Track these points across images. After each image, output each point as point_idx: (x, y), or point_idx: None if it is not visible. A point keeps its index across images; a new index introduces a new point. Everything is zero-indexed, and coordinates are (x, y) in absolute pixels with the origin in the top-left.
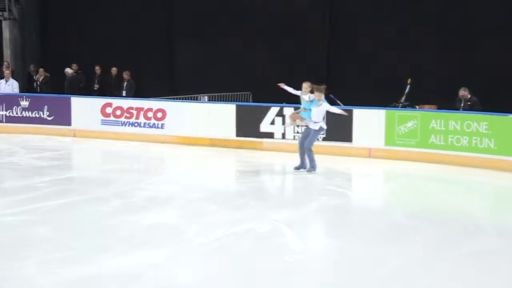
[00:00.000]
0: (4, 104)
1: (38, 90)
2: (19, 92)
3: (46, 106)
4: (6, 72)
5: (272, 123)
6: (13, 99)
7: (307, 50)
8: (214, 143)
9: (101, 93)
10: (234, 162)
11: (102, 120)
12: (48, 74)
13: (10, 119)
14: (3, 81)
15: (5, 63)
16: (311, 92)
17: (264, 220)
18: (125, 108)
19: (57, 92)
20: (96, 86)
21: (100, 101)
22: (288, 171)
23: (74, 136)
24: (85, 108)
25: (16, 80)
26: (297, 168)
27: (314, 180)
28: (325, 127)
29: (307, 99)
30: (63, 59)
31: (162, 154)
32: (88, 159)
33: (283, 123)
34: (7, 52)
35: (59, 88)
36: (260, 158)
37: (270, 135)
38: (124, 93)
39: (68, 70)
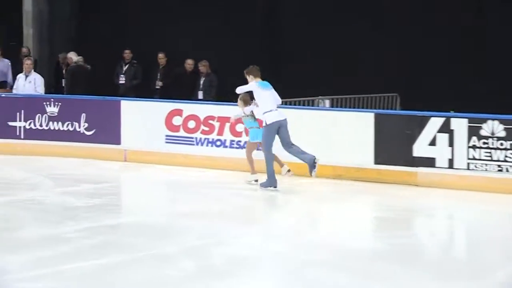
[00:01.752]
0: (22, 112)
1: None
2: (45, 92)
3: (83, 114)
4: (27, 63)
5: (433, 143)
6: (36, 103)
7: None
8: (338, 173)
9: (165, 94)
10: (371, 205)
11: (167, 136)
12: (89, 66)
13: (31, 134)
14: (21, 76)
15: (23, 49)
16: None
17: None
18: (202, 118)
19: (101, 92)
20: (159, 84)
21: (165, 106)
22: (458, 219)
23: (125, 160)
24: (141, 118)
25: (41, 75)
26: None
27: (501, 234)
28: (270, 121)
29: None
30: (109, 43)
31: (257, 190)
32: (144, 196)
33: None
34: (28, 33)
35: (100, 87)
36: (413, 199)
37: (429, 162)
38: (200, 94)
39: (73, 57)
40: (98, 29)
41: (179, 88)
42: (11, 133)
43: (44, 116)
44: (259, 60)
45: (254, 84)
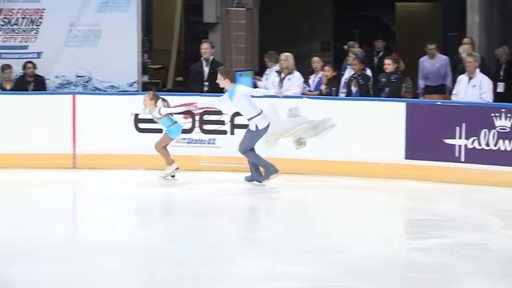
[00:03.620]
0: (464, 126)
1: None
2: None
3: None
4: (468, 60)
5: None
6: (481, 114)
7: None
8: None
9: None
10: None
11: None
12: None
13: (473, 156)
14: (463, 78)
15: (465, 40)
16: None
17: None
18: None
19: None
20: None
21: None
22: None
23: None
24: None
25: (489, 76)
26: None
27: None
28: (262, 124)
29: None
30: None
31: None
32: None
33: None
34: (473, 20)
35: None
36: None
37: None
38: None
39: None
40: None
41: None
42: (448, 154)
43: (491, 132)
44: None
45: (240, 93)
